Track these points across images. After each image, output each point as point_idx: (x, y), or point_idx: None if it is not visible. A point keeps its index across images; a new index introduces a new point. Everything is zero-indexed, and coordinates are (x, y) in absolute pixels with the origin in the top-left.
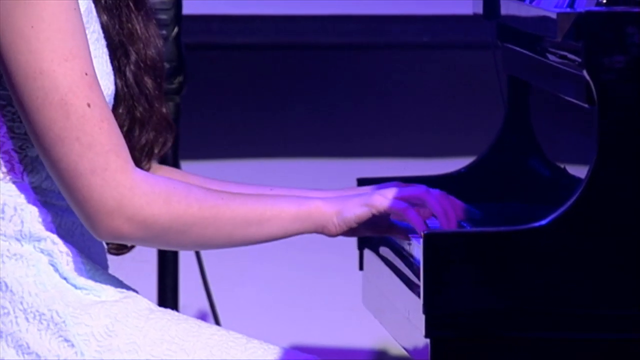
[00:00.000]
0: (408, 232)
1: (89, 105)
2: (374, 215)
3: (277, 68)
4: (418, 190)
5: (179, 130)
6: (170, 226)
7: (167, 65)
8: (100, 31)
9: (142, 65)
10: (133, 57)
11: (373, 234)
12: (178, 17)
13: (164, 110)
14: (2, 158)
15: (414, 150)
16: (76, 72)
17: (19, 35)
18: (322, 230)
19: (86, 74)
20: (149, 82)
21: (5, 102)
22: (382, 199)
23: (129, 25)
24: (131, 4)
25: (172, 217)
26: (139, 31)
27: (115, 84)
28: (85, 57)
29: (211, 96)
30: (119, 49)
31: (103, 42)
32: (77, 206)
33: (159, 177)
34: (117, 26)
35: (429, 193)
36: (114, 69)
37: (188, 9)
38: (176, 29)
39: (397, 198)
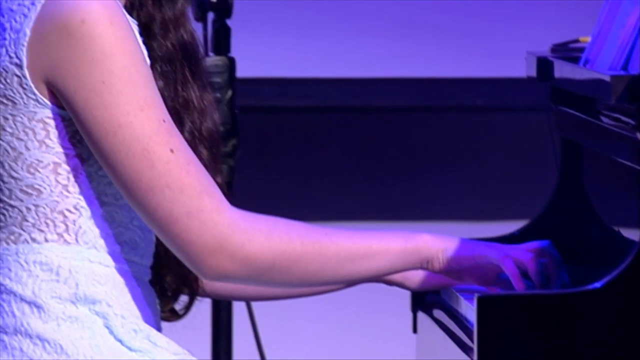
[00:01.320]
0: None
1: (172, 150)
2: (476, 263)
3: (330, 131)
4: (528, 251)
5: (232, 193)
6: (273, 262)
7: (220, 129)
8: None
9: (197, 134)
10: (187, 125)
11: (476, 283)
12: (231, 80)
13: (218, 180)
14: (55, 219)
15: (467, 213)
16: (153, 120)
17: (92, 92)
18: (426, 266)
19: (164, 121)
20: (204, 151)
21: (59, 161)
22: (490, 249)
23: (184, 94)
24: (187, 73)
25: (274, 253)
26: (194, 101)
27: None
28: (159, 105)
29: (265, 159)
30: (173, 115)
31: None
32: (179, 251)
33: (257, 214)
34: (172, 93)
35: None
36: None
37: (241, 72)
38: (230, 92)
39: (507, 253)
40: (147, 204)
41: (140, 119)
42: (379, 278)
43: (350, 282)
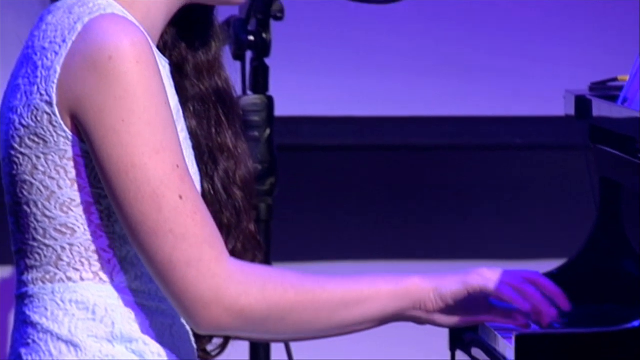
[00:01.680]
0: (510, 312)
1: (180, 197)
2: (469, 294)
3: (369, 169)
4: (517, 274)
5: (269, 232)
6: (268, 314)
7: (259, 167)
8: (187, 131)
9: (231, 176)
10: (222, 166)
11: (474, 318)
12: (270, 118)
13: (251, 227)
14: (90, 257)
15: (506, 251)
16: (167, 164)
17: (110, 129)
18: (419, 307)
19: (177, 167)
20: (238, 193)
21: (93, 200)
22: (478, 277)
23: (219, 138)
24: (222, 116)
25: (269, 304)
26: (229, 146)
27: (202, 186)
28: (176, 150)
29: (303, 197)
30: (206, 154)
31: (189, 143)
32: (174, 299)
33: (253, 265)
34: (206, 132)
35: (522, 281)
36: (200, 172)
37: (280, 110)
38: (268, 131)
39: (493, 278)
40: (149, 247)
41: (154, 162)
42: (377, 323)
43: (346, 330)
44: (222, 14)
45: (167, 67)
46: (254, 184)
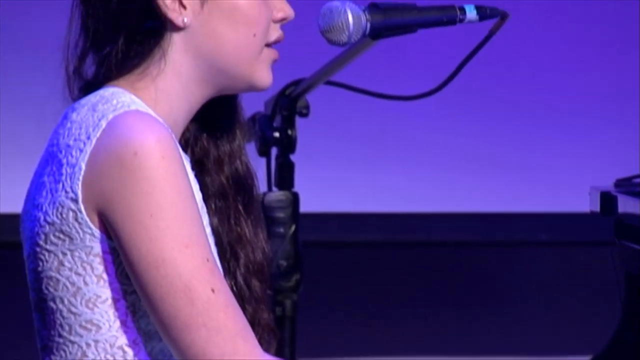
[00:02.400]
0: None
1: (213, 290)
2: None
3: (394, 265)
4: None
5: (295, 328)
6: None
7: (284, 264)
8: (210, 228)
9: (250, 268)
10: (242, 260)
11: None
12: (295, 215)
13: (266, 315)
14: (115, 354)
15: (531, 348)
16: (197, 258)
17: (138, 224)
18: None
19: (207, 260)
20: (256, 284)
21: (118, 296)
22: None
23: (238, 229)
24: (240, 207)
25: None
26: (247, 235)
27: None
28: (204, 244)
29: (328, 294)
30: (228, 251)
31: (212, 239)
32: None
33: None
34: (227, 228)
35: None
36: (223, 269)
37: (305, 207)
38: (293, 227)
39: None
40: (182, 340)
41: (184, 256)
42: None
43: None
44: (248, 110)
45: (189, 163)
46: (269, 270)
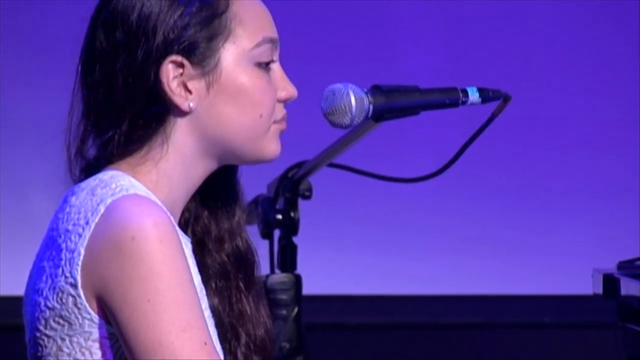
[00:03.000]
0: None
1: None
2: None
3: (398, 347)
4: None
5: None
6: None
7: (286, 346)
8: (209, 309)
9: (252, 346)
10: (243, 339)
11: None
12: (298, 297)
13: None
14: None
15: None
16: (195, 342)
17: (136, 310)
18: None
19: (205, 344)
20: None
21: None
22: None
23: (239, 306)
24: (241, 285)
25: None
26: (249, 312)
27: None
28: (202, 327)
29: None
30: (229, 331)
31: (212, 321)
32: None
33: None
34: (227, 308)
35: None
36: (224, 349)
37: (308, 289)
38: (296, 309)
39: None
40: None
41: (181, 340)
42: None
43: None
44: (250, 192)
45: (189, 245)
46: (273, 346)
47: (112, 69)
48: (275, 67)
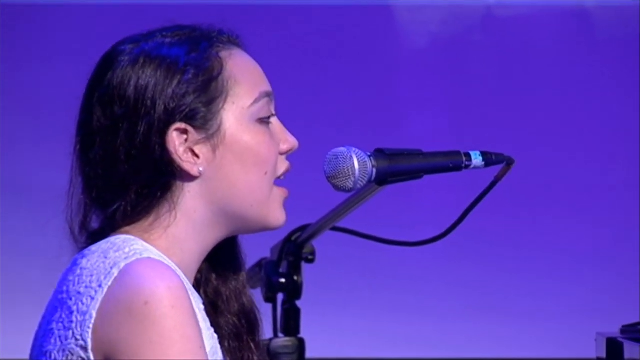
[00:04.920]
0: None
1: None
2: None
3: None
4: None
5: None
6: None
7: None
8: None
9: None
10: None
11: None
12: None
13: None
14: None
15: None
16: None
17: None
18: None
19: None
20: None
21: None
22: None
23: None
24: (252, 347)
25: None
26: None
27: None
28: None
29: None
30: None
31: None
32: None
33: None
34: None
35: None
36: None
37: (311, 352)
38: None
39: None
40: None
41: None
42: None
43: None
44: (254, 256)
45: (202, 307)
46: None
47: (114, 143)
48: (274, 120)
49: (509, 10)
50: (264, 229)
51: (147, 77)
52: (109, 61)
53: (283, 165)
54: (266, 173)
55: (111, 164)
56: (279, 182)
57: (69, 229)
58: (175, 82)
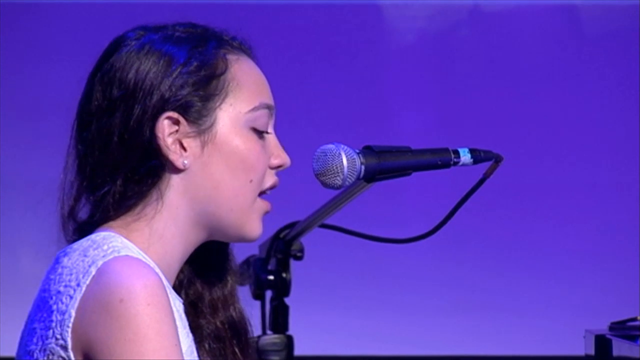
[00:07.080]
0: None
1: None
2: None
3: None
4: None
5: None
6: None
7: None
8: None
9: None
10: None
11: None
12: (290, 358)
13: None
14: None
15: None
16: None
17: None
18: None
19: None
20: None
21: None
22: None
23: None
24: (237, 350)
25: None
26: None
27: None
28: None
29: None
30: None
31: None
32: None
33: None
34: None
35: None
36: None
37: (300, 350)
38: None
39: None
40: None
41: None
42: None
43: None
44: (242, 253)
45: (182, 307)
46: None
47: (108, 124)
48: (270, 136)
49: (496, 6)
50: (239, 238)
51: (149, 64)
52: (116, 44)
53: (271, 180)
54: (251, 181)
55: (104, 146)
56: (264, 196)
57: (59, 213)
58: (176, 72)
